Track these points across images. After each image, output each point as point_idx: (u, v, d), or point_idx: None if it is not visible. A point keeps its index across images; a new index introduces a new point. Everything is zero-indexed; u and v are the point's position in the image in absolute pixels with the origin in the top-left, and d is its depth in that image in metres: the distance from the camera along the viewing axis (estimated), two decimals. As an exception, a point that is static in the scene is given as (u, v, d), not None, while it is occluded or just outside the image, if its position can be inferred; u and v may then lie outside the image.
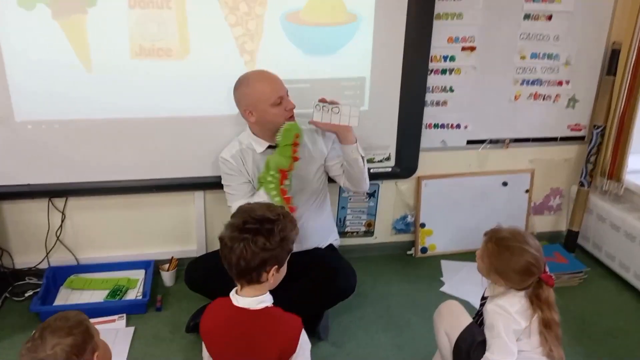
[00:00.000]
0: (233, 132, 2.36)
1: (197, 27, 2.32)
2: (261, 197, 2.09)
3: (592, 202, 2.93)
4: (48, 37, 2.23)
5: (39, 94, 2.31)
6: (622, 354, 2.27)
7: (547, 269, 1.74)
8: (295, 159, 2.10)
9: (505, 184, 2.98)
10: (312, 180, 2.31)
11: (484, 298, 1.88)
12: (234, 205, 2.10)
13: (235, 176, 2.23)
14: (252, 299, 1.54)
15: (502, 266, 1.72)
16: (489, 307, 1.77)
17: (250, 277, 1.51)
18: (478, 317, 1.87)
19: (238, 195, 2.20)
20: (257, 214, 1.53)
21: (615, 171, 2.79)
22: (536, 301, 1.73)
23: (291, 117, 2.15)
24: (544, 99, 2.85)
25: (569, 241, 3.00)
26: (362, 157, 2.20)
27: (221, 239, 1.53)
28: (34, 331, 1.42)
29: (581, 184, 2.93)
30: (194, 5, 2.29)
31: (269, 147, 2.20)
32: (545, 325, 1.72)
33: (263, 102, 2.12)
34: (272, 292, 1.61)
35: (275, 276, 1.55)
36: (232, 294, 1.57)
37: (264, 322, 1.54)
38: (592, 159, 2.88)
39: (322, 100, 2.13)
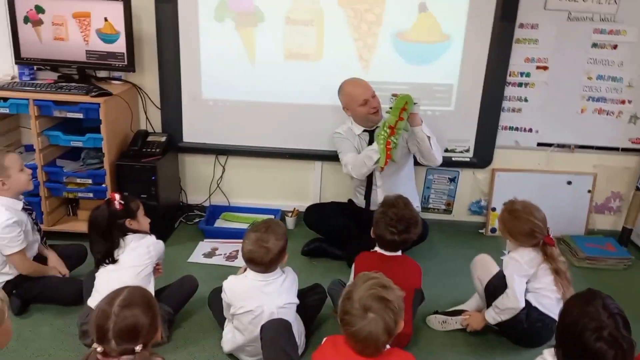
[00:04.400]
0: (346, 117, 3.18)
1: (330, 39, 3.23)
2: (372, 146, 2.83)
3: (646, 205, 3.41)
4: (229, 41, 3.25)
5: (219, 81, 3.35)
6: None
7: (550, 234, 2.38)
8: (401, 119, 2.72)
9: (569, 182, 3.54)
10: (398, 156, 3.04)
11: None
12: (346, 158, 2.96)
13: (346, 139, 3.05)
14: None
15: (512, 229, 2.41)
16: (504, 260, 2.44)
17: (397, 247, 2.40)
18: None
19: (349, 152, 2.98)
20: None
21: (666, 178, 3.27)
22: (544, 257, 2.38)
23: (375, 113, 2.92)
24: (607, 114, 3.38)
25: (623, 236, 3.49)
26: (429, 137, 2.84)
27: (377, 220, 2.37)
28: (260, 224, 2.23)
29: (637, 188, 3.42)
30: (330, 24, 3.21)
31: (364, 130, 3.02)
32: (556, 272, 2.37)
33: (353, 103, 2.96)
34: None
35: None
36: (377, 248, 2.42)
37: (401, 263, 2.38)
38: (649, 167, 3.38)
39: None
